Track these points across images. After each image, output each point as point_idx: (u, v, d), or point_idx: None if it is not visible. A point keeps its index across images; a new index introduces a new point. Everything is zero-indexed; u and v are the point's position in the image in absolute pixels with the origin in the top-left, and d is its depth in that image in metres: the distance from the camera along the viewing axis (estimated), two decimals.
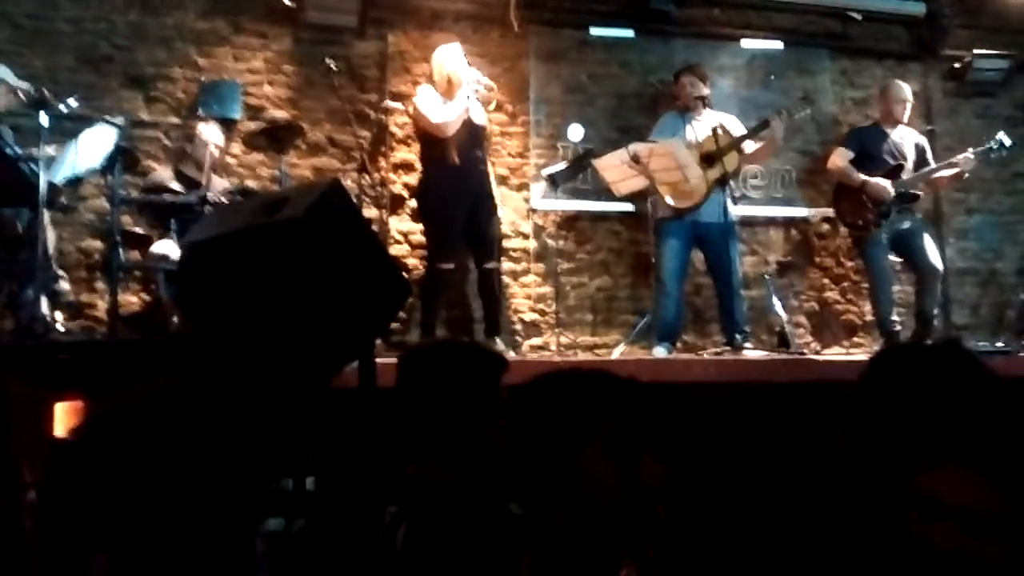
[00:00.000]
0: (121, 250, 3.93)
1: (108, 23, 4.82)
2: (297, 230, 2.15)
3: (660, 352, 4.49)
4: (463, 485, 1.61)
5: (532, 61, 5.39)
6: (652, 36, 5.60)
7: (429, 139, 4.55)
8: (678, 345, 4.79)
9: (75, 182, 3.98)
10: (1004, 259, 6.02)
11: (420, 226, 4.90)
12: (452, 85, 4.50)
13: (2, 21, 4.65)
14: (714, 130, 4.46)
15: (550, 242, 5.21)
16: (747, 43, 5.71)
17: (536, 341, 5.20)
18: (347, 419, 2.50)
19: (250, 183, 4.75)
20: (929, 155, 5.02)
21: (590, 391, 1.33)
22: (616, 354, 4.83)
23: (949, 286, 5.62)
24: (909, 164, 4.89)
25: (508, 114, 5.31)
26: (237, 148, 4.89)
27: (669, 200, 4.59)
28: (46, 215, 3.63)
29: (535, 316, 5.24)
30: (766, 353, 4.58)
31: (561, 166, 4.85)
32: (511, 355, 4.15)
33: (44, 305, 3.69)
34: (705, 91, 4.75)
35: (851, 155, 4.91)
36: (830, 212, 5.28)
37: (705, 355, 4.69)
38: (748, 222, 5.39)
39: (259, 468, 1.13)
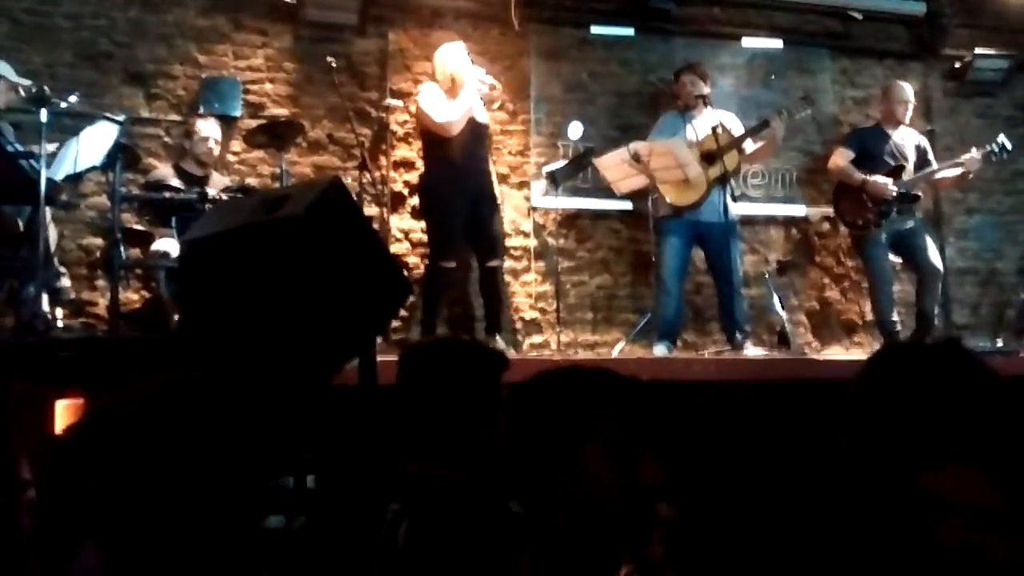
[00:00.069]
0: (122, 247, 3.92)
1: (108, 20, 4.81)
2: (298, 228, 2.15)
3: (660, 351, 4.49)
4: (464, 483, 1.61)
5: (532, 59, 5.38)
6: (652, 35, 5.59)
7: (432, 137, 4.54)
8: (678, 344, 4.80)
9: (76, 179, 3.96)
10: (1004, 259, 6.02)
11: (421, 224, 4.90)
12: (456, 84, 4.49)
13: (1, 17, 4.63)
14: (714, 129, 4.46)
15: (550, 240, 5.21)
16: (747, 42, 5.70)
17: (536, 339, 5.20)
18: (348, 417, 2.50)
19: (250, 180, 4.75)
20: (930, 156, 5.02)
21: (590, 389, 1.33)
22: (616, 352, 4.84)
23: (949, 286, 5.62)
24: (910, 165, 4.89)
25: (508, 112, 5.31)
26: (237, 145, 4.88)
27: (669, 199, 4.59)
28: (47, 212, 3.61)
29: (535, 314, 5.23)
30: (766, 352, 4.60)
31: (561, 164, 4.86)
32: (511, 353, 4.14)
33: (45, 302, 3.68)
34: (705, 90, 4.75)
35: (852, 155, 4.92)
36: (830, 211, 5.29)
37: (705, 354, 4.70)
38: (749, 221, 5.40)
39: (259, 466, 1.13)
